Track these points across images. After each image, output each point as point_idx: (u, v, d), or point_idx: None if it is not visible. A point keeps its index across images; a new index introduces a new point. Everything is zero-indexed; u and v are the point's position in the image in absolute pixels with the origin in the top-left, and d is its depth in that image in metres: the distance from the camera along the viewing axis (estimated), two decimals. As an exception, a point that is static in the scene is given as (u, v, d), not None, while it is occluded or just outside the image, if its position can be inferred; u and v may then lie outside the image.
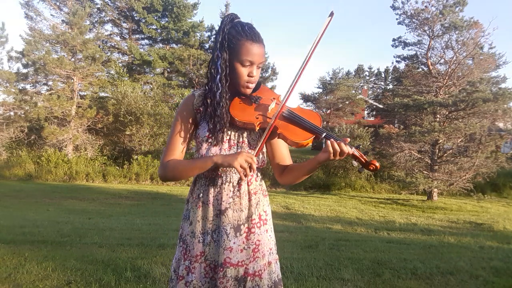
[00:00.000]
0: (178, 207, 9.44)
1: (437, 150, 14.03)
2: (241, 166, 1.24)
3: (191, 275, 1.35)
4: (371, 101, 29.71)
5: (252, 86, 1.36)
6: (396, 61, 18.51)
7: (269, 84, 25.06)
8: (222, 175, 1.36)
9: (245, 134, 1.39)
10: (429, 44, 14.65)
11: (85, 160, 16.81)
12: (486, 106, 12.42)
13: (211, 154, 1.34)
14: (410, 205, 12.88)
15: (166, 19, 23.00)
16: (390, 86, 32.14)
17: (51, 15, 19.80)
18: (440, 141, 13.74)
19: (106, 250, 4.06)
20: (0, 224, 5.90)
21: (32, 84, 19.17)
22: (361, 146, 1.29)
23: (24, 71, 18.21)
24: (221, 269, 1.32)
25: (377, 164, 1.23)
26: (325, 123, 25.69)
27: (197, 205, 1.39)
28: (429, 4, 14.05)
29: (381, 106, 26.09)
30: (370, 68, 44.96)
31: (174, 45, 23.92)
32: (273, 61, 53.66)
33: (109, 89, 19.30)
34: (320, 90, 28.14)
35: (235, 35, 1.29)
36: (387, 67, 41.02)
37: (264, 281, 1.36)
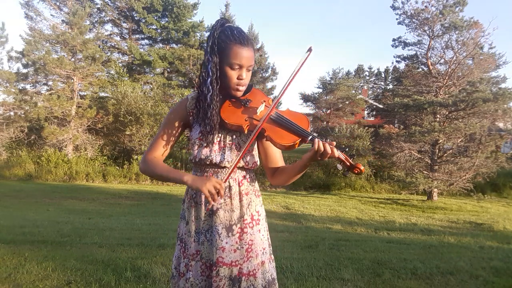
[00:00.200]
0: (178, 207, 9.39)
1: (437, 150, 14.03)
2: (209, 192, 1.27)
3: (189, 273, 1.40)
4: (371, 101, 29.70)
5: (242, 88, 1.39)
6: (396, 61, 18.55)
7: (269, 84, 25.10)
8: (214, 175, 1.40)
9: (235, 136, 1.42)
10: (429, 44, 14.66)
11: (85, 160, 16.81)
12: (486, 106, 12.42)
13: (203, 155, 1.39)
14: (410, 205, 12.88)
15: (166, 19, 23.00)
16: (390, 86, 32.17)
17: (51, 15, 19.84)
18: (440, 141, 13.74)
19: (106, 250, 4.06)
20: (0, 224, 5.90)
21: (32, 84, 19.17)
22: (347, 149, 1.31)
23: (24, 71, 18.23)
24: (215, 268, 1.35)
25: (362, 168, 1.25)
26: (325, 123, 25.69)
27: (191, 205, 1.44)
28: (429, 4, 14.06)
29: (381, 106, 26.09)
30: (370, 68, 45.03)
31: (174, 45, 23.92)
32: (273, 61, 53.71)
33: (109, 89, 19.29)
34: (320, 90, 28.12)
35: (224, 39, 1.33)
36: (387, 67, 41.09)
37: (258, 280, 1.38)
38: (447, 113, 13.74)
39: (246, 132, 1.37)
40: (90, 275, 3.04)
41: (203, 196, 1.40)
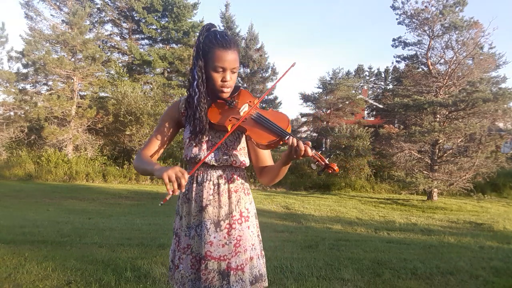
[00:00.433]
0: (178, 207, 9.41)
1: (437, 150, 14.03)
2: (168, 178, 1.26)
3: (180, 265, 1.48)
4: (371, 101, 29.68)
5: (227, 90, 1.44)
6: (396, 61, 18.55)
7: (269, 84, 25.10)
8: (203, 173, 1.47)
9: (222, 136, 1.46)
10: (429, 44, 14.66)
11: (85, 160, 16.81)
12: (486, 106, 12.42)
13: (192, 154, 1.46)
14: (410, 205, 12.88)
15: (166, 19, 22.99)
16: (390, 86, 32.16)
17: (51, 15, 19.83)
18: (440, 141, 13.74)
19: (106, 250, 4.06)
20: (0, 224, 5.90)
21: (32, 84, 19.17)
22: (323, 149, 1.32)
23: (24, 71, 18.22)
24: (203, 261, 1.42)
25: (336, 168, 1.28)
26: (325, 123, 25.68)
27: (184, 201, 1.50)
28: (429, 4, 14.06)
29: (381, 106, 26.07)
30: (370, 68, 44.94)
31: (174, 45, 23.91)
32: (273, 61, 53.69)
33: (109, 89, 19.29)
34: (320, 90, 28.08)
35: (208, 44, 1.40)
36: (387, 67, 41.05)
37: (246, 275, 1.44)
38: (447, 113, 13.74)
39: (230, 131, 1.42)
40: (90, 275, 3.04)
41: (193, 193, 1.46)
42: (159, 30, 23.27)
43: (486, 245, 5.69)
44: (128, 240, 4.83)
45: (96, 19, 23.30)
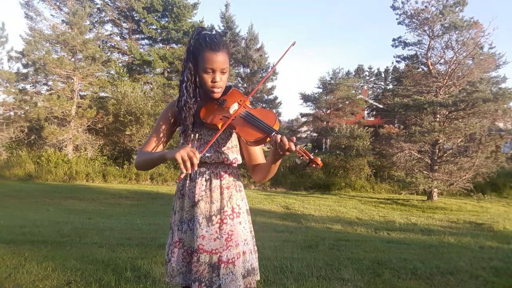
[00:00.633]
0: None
1: (437, 150, 14.03)
2: (182, 158, 1.33)
3: (172, 259, 1.54)
4: (371, 101, 29.67)
5: (218, 90, 1.51)
6: (396, 61, 18.54)
7: (269, 84, 25.08)
8: (197, 170, 1.51)
9: (214, 134, 1.52)
10: (429, 44, 14.66)
11: (85, 160, 16.81)
12: (486, 106, 12.42)
13: None
14: (410, 205, 12.88)
15: (166, 19, 22.98)
16: (390, 86, 32.14)
17: (51, 15, 19.82)
18: (440, 141, 13.74)
19: (106, 250, 4.06)
20: (0, 224, 5.90)
21: (32, 84, 19.17)
22: (307, 145, 1.35)
23: (24, 71, 18.22)
24: (195, 254, 1.47)
25: (320, 162, 1.33)
26: (325, 123, 25.67)
27: (178, 197, 1.57)
28: (429, 4, 14.06)
29: (381, 106, 26.06)
30: (370, 68, 44.91)
31: (174, 45, 23.90)
32: (273, 61, 53.67)
33: (109, 89, 19.29)
34: (320, 90, 28.07)
35: (197, 47, 1.46)
36: (387, 67, 41.02)
37: (237, 268, 1.48)
38: (447, 113, 13.74)
39: (220, 129, 1.48)
40: (90, 275, 3.04)
41: (186, 189, 1.52)
42: (159, 30, 23.27)
43: (486, 245, 5.69)
44: (128, 240, 4.83)
45: (96, 19, 23.30)
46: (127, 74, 21.71)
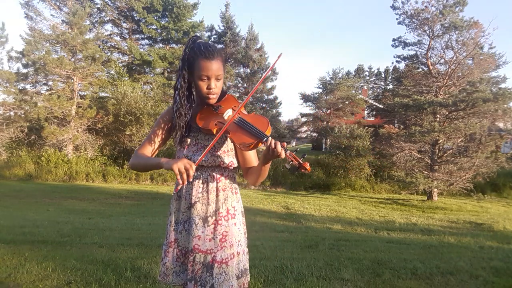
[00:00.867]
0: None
1: (437, 150, 14.03)
2: (179, 170, 1.39)
3: (166, 258, 1.59)
4: (371, 101, 29.69)
5: (213, 96, 1.56)
6: (396, 61, 18.55)
7: (269, 84, 25.06)
8: (194, 172, 1.51)
9: (210, 139, 1.57)
10: (429, 44, 14.66)
11: (85, 160, 16.81)
12: (486, 106, 12.42)
13: (183, 155, 1.57)
14: (410, 205, 12.88)
15: (166, 19, 22.98)
16: (390, 86, 32.13)
17: (51, 15, 19.80)
18: (440, 141, 13.74)
19: (106, 250, 4.06)
20: (0, 224, 5.90)
21: (32, 84, 19.16)
22: (298, 150, 1.49)
23: (24, 71, 18.21)
24: (191, 254, 1.52)
25: (308, 167, 1.37)
26: (325, 123, 25.68)
27: (175, 199, 1.62)
28: (429, 4, 14.06)
29: (381, 106, 26.07)
30: (370, 68, 44.94)
31: (174, 45, 23.88)
32: (273, 61, 53.62)
33: (109, 89, 19.28)
34: (320, 90, 28.11)
35: (192, 55, 1.51)
36: (387, 67, 41.05)
37: (230, 268, 1.52)
38: (447, 113, 13.74)
39: (215, 135, 1.53)
40: (90, 275, 3.04)
41: (183, 190, 1.57)
42: (159, 30, 23.26)
43: (486, 245, 5.69)
44: (128, 240, 4.83)
45: (96, 19, 23.29)
46: (127, 74, 21.71)
